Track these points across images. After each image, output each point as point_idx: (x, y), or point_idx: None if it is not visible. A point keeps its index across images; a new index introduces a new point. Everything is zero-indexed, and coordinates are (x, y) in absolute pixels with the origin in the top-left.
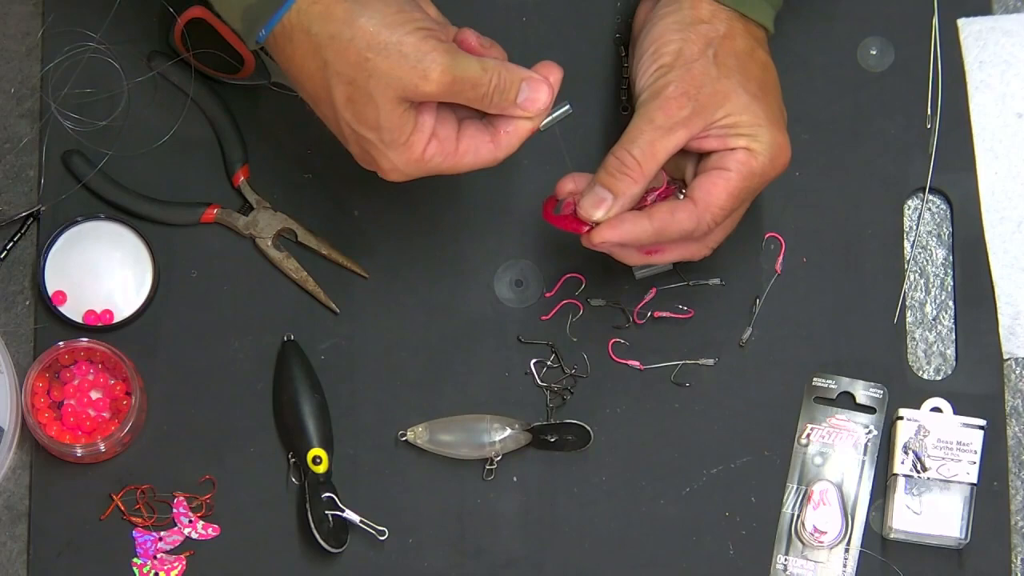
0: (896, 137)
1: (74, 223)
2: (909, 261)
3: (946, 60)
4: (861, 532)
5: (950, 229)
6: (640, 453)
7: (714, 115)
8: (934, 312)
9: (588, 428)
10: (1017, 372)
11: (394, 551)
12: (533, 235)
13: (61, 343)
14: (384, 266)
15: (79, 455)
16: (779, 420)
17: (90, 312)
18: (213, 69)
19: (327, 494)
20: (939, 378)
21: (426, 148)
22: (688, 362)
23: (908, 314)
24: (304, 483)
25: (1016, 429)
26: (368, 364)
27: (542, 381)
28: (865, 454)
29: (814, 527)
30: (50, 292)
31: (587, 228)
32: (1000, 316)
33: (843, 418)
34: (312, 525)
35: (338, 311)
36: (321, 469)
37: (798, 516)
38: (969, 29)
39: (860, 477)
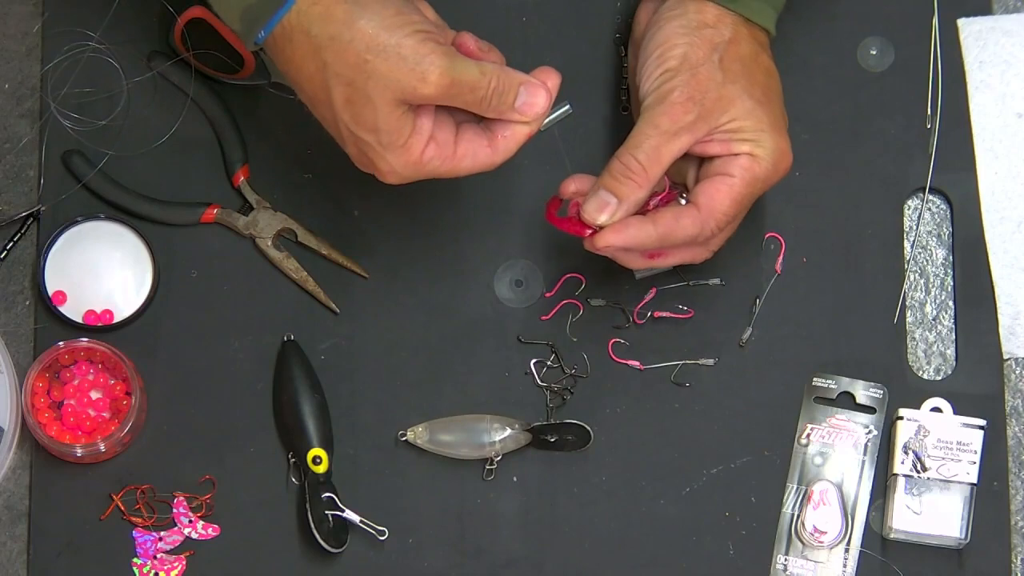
0: (896, 137)
1: (74, 223)
2: (909, 261)
3: (946, 60)
4: (861, 532)
5: (950, 229)
6: (640, 453)
7: (718, 120)
8: (934, 312)
9: (588, 428)
10: (1017, 372)
11: (394, 551)
12: (533, 235)
13: (61, 343)
14: (384, 266)
15: (79, 455)
16: (779, 420)
17: (90, 312)
18: (213, 69)
19: (327, 494)
20: (939, 378)
21: (424, 151)
22: (688, 362)
23: (908, 314)
24: (304, 483)
25: (1016, 429)
26: (368, 364)
27: (542, 381)
28: (865, 454)
29: (814, 527)
30: (50, 292)
31: (590, 232)
32: (1000, 316)
33: (843, 418)
34: (312, 525)
35: (338, 311)
36: (321, 469)
37: (798, 516)
38: (969, 29)
39: (860, 477)
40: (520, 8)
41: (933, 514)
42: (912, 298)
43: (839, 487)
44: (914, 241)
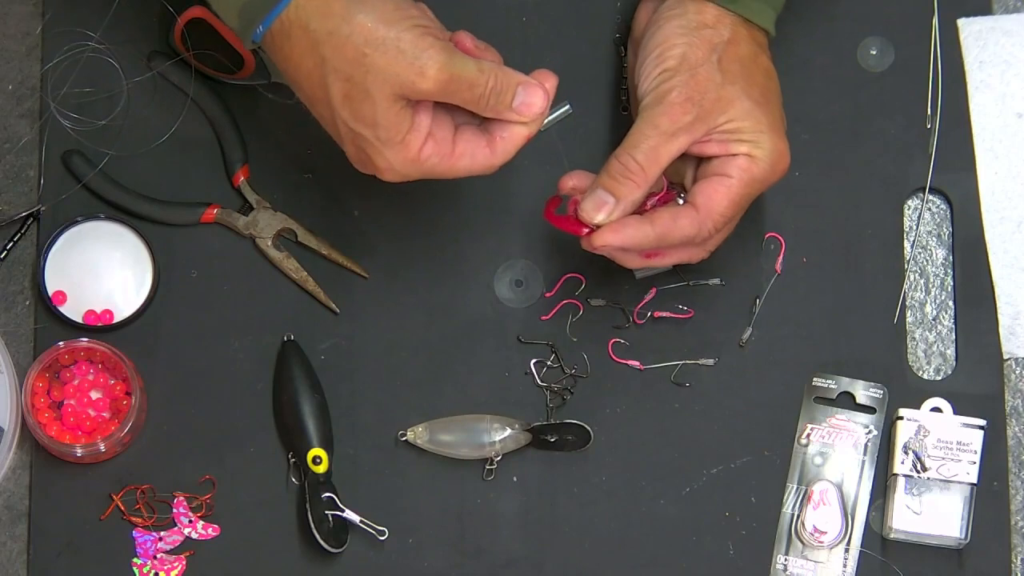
0: (896, 137)
1: (74, 223)
2: (909, 261)
3: (946, 60)
4: (861, 532)
5: (950, 229)
6: (640, 453)
7: (717, 120)
8: (934, 312)
9: (588, 428)
10: (1017, 372)
11: (394, 551)
12: (533, 235)
13: (61, 343)
14: (384, 266)
15: (79, 455)
16: (779, 420)
17: (90, 312)
18: (213, 69)
19: (327, 494)
20: (939, 378)
21: (422, 147)
22: (688, 362)
23: (908, 314)
24: (304, 483)
25: (1016, 429)
26: (368, 364)
27: (542, 381)
28: (865, 454)
29: (814, 527)
30: (50, 292)
31: (587, 230)
32: (1000, 316)
33: (843, 418)
34: (312, 525)
35: (338, 311)
36: (321, 469)
37: (798, 516)
38: (969, 29)
39: (860, 477)
40: (520, 8)
41: (933, 514)
42: (912, 298)
43: (839, 487)
44: (914, 241)
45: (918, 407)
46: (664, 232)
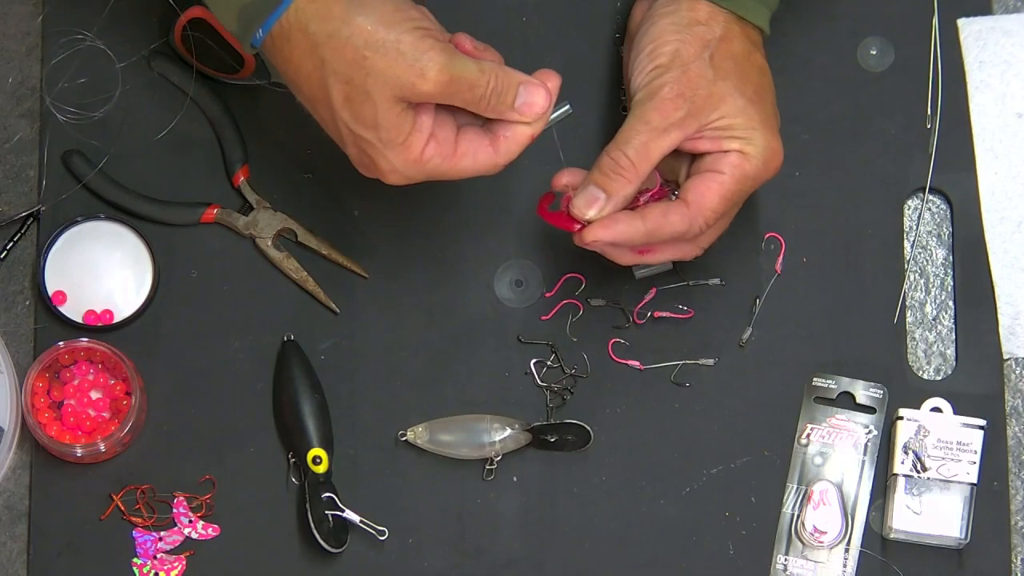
0: (896, 137)
1: (74, 223)
2: (909, 261)
3: (946, 60)
4: (861, 532)
5: (950, 229)
6: (640, 453)
7: (709, 117)
8: (934, 312)
9: (588, 428)
10: (1017, 372)
11: (394, 551)
12: (533, 235)
13: (61, 343)
14: (384, 266)
15: (79, 455)
16: (779, 420)
17: (90, 312)
18: (213, 69)
19: (327, 494)
20: (939, 378)
21: (424, 148)
22: (688, 362)
23: (908, 314)
24: (304, 483)
25: (1016, 429)
26: (368, 364)
27: (542, 381)
28: (865, 454)
29: (814, 527)
30: (50, 292)
31: (579, 226)
32: (1000, 316)
33: (843, 418)
34: (312, 525)
35: (338, 311)
36: (321, 469)
37: (798, 516)
38: (969, 29)
39: (860, 477)
40: (520, 8)
41: (933, 514)
42: (912, 298)
43: (839, 487)
44: (914, 241)
45: (918, 407)
46: (655, 227)
